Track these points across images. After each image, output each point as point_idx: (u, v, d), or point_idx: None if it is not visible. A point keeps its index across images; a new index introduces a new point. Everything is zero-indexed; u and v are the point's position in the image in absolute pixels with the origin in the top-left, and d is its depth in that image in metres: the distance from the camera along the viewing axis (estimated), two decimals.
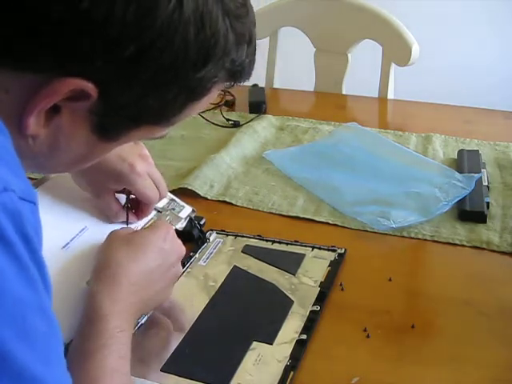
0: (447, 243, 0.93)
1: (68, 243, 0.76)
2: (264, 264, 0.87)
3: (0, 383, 0.39)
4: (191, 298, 0.81)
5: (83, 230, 0.79)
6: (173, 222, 0.88)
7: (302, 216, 1.00)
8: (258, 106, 1.40)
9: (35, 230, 0.44)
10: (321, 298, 0.80)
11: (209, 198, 1.06)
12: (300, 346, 0.72)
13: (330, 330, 0.76)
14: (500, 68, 2.50)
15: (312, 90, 1.65)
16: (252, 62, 0.56)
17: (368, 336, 0.74)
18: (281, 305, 0.79)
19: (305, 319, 0.76)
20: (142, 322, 0.75)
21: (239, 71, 0.55)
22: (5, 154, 0.44)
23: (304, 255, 0.89)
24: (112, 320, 0.63)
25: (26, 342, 0.41)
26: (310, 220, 1.00)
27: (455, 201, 0.99)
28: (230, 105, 1.44)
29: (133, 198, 0.83)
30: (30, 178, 0.47)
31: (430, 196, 1.01)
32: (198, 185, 1.07)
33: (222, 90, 1.24)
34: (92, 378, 0.58)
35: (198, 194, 1.06)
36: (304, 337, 0.73)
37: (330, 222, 0.99)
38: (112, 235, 0.73)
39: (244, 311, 0.79)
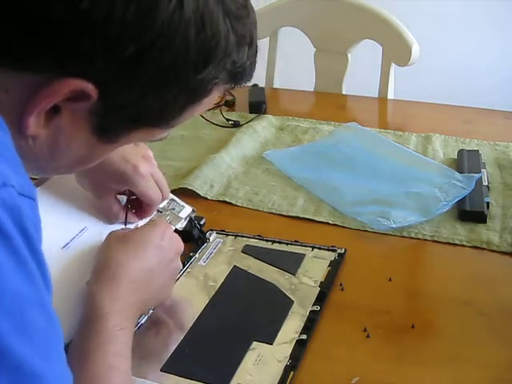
0: (447, 243, 0.93)
1: (68, 243, 0.76)
2: (264, 264, 0.87)
3: None
4: (191, 297, 0.81)
5: (83, 230, 0.79)
6: (173, 222, 0.88)
7: (302, 216, 1.00)
8: (258, 106, 1.40)
9: (35, 226, 0.44)
10: (321, 298, 0.80)
11: (209, 198, 1.06)
12: (300, 346, 0.72)
13: (330, 330, 0.76)
14: (500, 68, 2.50)
15: (312, 89, 1.65)
16: (253, 63, 0.56)
17: (368, 336, 0.74)
18: (281, 305, 0.79)
19: (305, 319, 0.76)
20: (143, 321, 0.75)
21: (240, 73, 0.55)
22: (4, 149, 0.44)
23: (304, 255, 0.89)
24: (112, 318, 0.63)
25: (25, 336, 0.41)
26: (310, 220, 1.00)
27: (455, 201, 0.99)
28: (230, 105, 1.44)
29: (133, 199, 0.83)
30: (30, 178, 0.47)
31: (430, 196, 1.01)
32: (198, 185, 1.07)
33: None
34: (91, 376, 0.58)
35: (198, 194, 1.06)
36: (304, 337, 0.73)
37: (330, 222, 0.99)
38: (111, 235, 0.73)
39: (244, 311, 0.79)
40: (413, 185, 1.04)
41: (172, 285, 0.77)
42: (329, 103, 1.53)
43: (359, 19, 1.57)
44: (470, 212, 0.97)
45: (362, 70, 1.78)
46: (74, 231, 0.78)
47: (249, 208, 1.04)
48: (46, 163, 0.54)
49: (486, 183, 1.05)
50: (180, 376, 0.69)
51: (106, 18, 0.45)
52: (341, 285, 0.83)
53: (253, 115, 1.36)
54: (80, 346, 0.61)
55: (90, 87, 0.47)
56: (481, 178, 1.05)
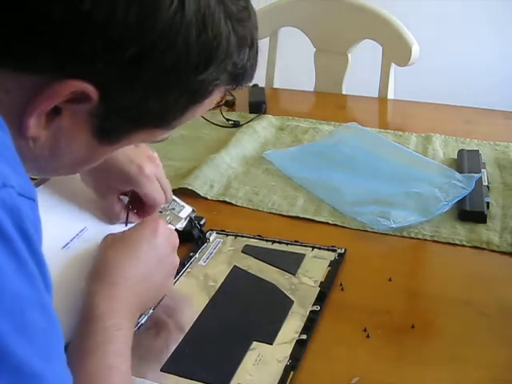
0: (447, 243, 0.93)
1: (68, 243, 0.76)
2: (264, 264, 0.87)
3: None
4: (191, 297, 0.81)
5: (83, 230, 0.79)
6: (173, 222, 0.88)
7: (302, 216, 1.01)
8: (258, 106, 1.40)
9: (35, 227, 0.44)
10: (321, 298, 0.80)
11: (209, 198, 1.06)
12: (300, 346, 0.72)
13: (330, 330, 0.76)
14: (500, 68, 2.50)
15: (312, 90, 1.65)
16: (254, 65, 0.56)
17: (368, 336, 0.74)
18: (281, 305, 0.79)
19: (305, 319, 0.76)
20: (143, 321, 0.75)
21: (241, 74, 0.55)
22: (4, 150, 0.44)
23: (304, 255, 0.89)
24: (109, 318, 0.63)
25: (25, 336, 0.41)
26: (310, 220, 1.00)
27: (455, 201, 0.99)
28: (230, 105, 1.44)
29: (134, 199, 0.83)
30: (30, 178, 0.47)
31: (430, 196, 1.01)
32: (198, 185, 1.07)
33: None
34: (90, 376, 0.58)
35: (198, 194, 1.06)
36: (304, 337, 0.73)
37: (330, 222, 0.99)
38: (107, 238, 0.73)
39: (244, 311, 0.79)
40: (413, 185, 1.05)
41: (171, 280, 0.77)
42: (329, 103, 1.53)
43: (359, 19, 1.57)
44: (470, 212, 0.98)
45: (361, 70, 1.78)
46: (74, 231, 0.78)
47: (249, 208, 1.04)
48: (47, 164, 0.54)
49: (486, 183, 1.05)
50: (180, 376, 0.69)
51: (107, 19, 0.45)
52: (341, 285, 0.83)
53: (253, 115, 1.36)
54: (78, 345, 0.61)
55: (90, 89, 0.47)
56: (481, 177, 1.05)
